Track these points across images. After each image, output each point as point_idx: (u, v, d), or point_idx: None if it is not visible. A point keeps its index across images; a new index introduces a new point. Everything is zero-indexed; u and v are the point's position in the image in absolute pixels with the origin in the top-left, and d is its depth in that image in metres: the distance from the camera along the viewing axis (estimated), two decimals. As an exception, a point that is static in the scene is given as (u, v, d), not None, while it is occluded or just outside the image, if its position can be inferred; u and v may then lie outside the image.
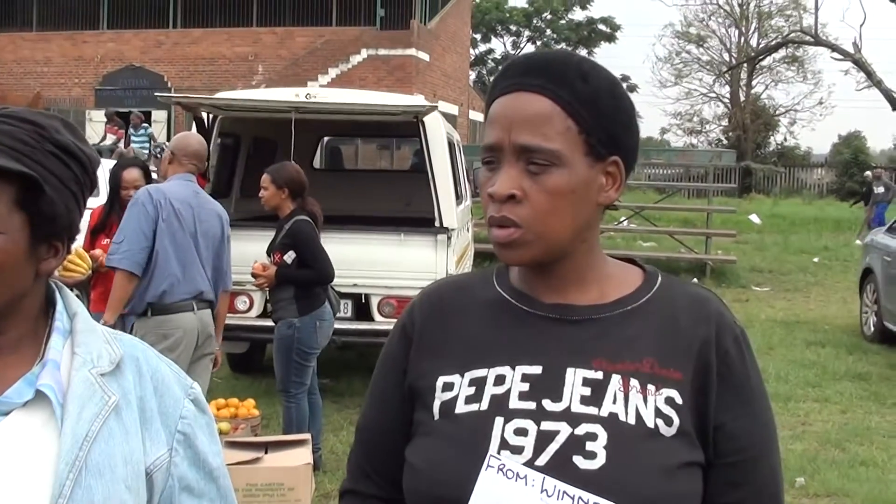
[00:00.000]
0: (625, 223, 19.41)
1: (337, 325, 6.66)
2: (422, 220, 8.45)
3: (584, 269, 1.53)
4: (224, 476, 1.56)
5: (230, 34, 31.37)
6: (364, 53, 29.71)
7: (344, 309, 7.58)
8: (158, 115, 27.68)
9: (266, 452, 5.17)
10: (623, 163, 1.50)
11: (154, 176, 6.75)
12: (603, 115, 1.46)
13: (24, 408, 1.38)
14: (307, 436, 5.64)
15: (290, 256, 6.23)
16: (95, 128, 25.29)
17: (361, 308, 8.08)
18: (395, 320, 7.59)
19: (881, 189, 24.98)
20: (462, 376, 1.49)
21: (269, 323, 6.66)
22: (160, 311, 5.42)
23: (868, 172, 29.10)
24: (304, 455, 5.15)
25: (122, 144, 22.39)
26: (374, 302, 8.00)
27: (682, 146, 49.64)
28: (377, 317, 7.98)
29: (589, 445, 1.38)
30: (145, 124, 23.04)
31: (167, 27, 32.10)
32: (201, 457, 1.51)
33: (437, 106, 8.33)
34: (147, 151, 21.32)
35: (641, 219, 19.86)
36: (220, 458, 1.56)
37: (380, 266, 7.88)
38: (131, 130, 22.88)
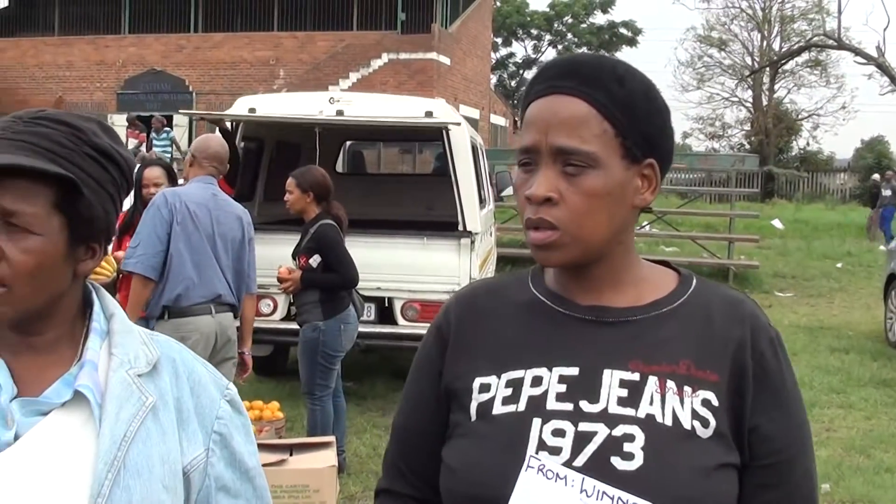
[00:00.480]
0: (647, 228, 19.33)
1: (361, 329, 6.67)
2: (445, 224, 8.45)
3: (620, 271, 1.53)
4: (260, 476, 1.57)
5: (251, 38, 31.49)
6: (385, 57, 29.75)
7: (367, 312, 7.59)
8: (180, 119, 27.78)
9: (291, 455, 5.17)
10: (658, 165, 1.51)
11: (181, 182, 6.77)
12: (638, 117, 1.46)
13: (63, 408, 1.39)
14: (331, 438, 5.64)
15: (315, 260, 6.25)
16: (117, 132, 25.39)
17: (385, 312, 8.08)
18: (418, 324, 7.55)
19: (888, 192, 24.76)
20: (499, 377, 1.50)
21: (293, 326, 6.68)
22: (176, 314, 5.41)
23: (876, 175, 28.87)
24: (328, 457, 5.15)
25: (143, 148, 22.49)
26: (398, 306, 8.00)
27: (704, 151, 49.34)
28: (400, 320, 7.98)
29: (626, 446, 1.38)
30: (167, 128, 23.13)
31: (188, 31, 32.27)
32: (237, 457, 1.53)
33: (461, 123, 8.33)
34: (169, 155, 21.41)
35: (664, 223, 19.78)
36: (255, 458, 1.57)
37: (403, 270, 7.88)
38: (153, 134, 22.98)
